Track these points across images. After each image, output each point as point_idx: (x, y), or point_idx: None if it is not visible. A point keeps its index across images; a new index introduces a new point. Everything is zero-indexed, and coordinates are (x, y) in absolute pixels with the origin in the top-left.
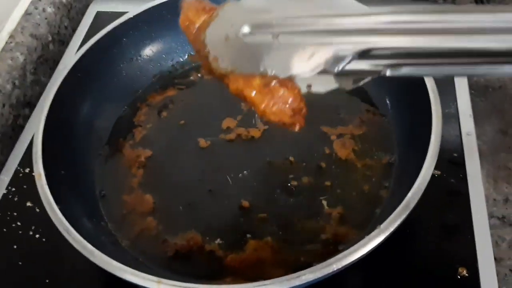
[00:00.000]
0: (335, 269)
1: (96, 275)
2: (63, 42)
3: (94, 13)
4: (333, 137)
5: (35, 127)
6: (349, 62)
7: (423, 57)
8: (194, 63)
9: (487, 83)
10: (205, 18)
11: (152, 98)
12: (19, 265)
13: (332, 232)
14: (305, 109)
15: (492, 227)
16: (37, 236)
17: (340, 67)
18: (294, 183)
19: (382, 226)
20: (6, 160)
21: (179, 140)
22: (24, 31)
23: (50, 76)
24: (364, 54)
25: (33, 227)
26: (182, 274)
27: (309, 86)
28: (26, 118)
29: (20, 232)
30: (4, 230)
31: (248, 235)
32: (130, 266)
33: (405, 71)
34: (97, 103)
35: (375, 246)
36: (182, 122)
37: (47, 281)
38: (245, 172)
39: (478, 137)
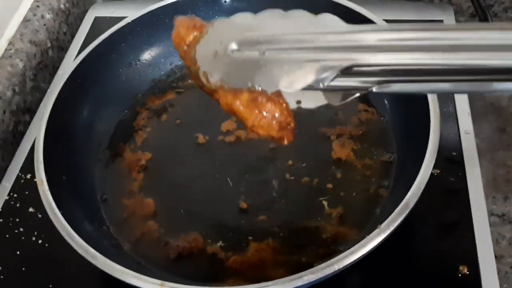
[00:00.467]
0: (337, 269)
1: (99, 279)
2: (62, 48)
3: (93, 19)
4: (332, 138)
5: (36, 133)
6: (334, 78)
7: (409, 74)
8: None
9: None
10: (196, 35)
11: (152, 102)
12: (22, 270)
13: (332, 232)
14: (293, 124)
15: (492, 224)
16: (39, 241)
17: (326, 83)
18: (294, 184)
19: (382, 225)
20: (7, 166)
21: (179, 143)
22: (23, 37)
23: (49, 82)
24: (348, 71)
25: (35, 233)
26: (184, 277)
27: (298, 102)
28: (27, 124)
29: (23, 237)
30: (7, 236)
31: (250, 237)
32: (132, 270)
33: (394, 88)
34: (97, 108)
35: (375, 246)
36: (182, 125)
37: (50, 286)
38: (245, 174)
39: (476, 135)
